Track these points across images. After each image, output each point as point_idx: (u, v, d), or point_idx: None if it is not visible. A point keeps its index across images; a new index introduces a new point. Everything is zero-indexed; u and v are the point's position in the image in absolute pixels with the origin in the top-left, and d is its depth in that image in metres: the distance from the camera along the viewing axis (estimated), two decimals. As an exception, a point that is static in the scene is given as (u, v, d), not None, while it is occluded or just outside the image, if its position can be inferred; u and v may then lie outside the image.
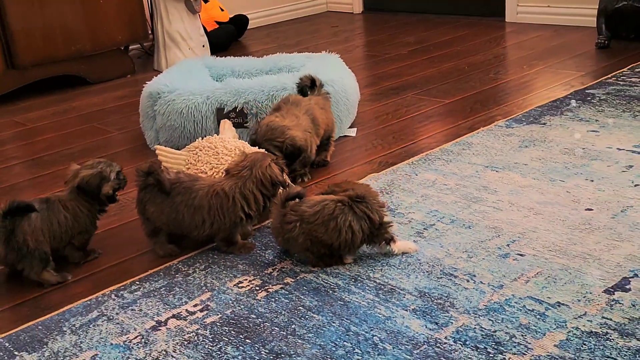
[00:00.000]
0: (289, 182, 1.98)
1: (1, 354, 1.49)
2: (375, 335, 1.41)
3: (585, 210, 1.83)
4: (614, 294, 1.46)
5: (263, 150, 2.01)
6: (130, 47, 4.30)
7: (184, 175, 1.83)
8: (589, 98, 2.73)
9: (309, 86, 2.40)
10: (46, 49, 3.58)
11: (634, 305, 1.42)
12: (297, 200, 1.72)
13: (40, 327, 1.58)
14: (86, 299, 1.68)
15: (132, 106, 3.30)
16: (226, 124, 2.27)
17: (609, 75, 3.00)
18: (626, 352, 1.29)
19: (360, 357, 1.35)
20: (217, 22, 4.42)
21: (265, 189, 1.79)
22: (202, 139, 2.10)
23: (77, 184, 1.83)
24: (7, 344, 1.52)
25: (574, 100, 2.71)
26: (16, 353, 1.49)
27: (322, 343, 1.41)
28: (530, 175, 2.08)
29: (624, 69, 3.06)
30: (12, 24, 3.44)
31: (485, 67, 3.44)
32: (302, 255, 1.73)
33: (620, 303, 1.43)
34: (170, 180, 1.79)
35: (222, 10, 4.52)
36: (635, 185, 1.94)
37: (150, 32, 4.17)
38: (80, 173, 1.84)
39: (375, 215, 1.67)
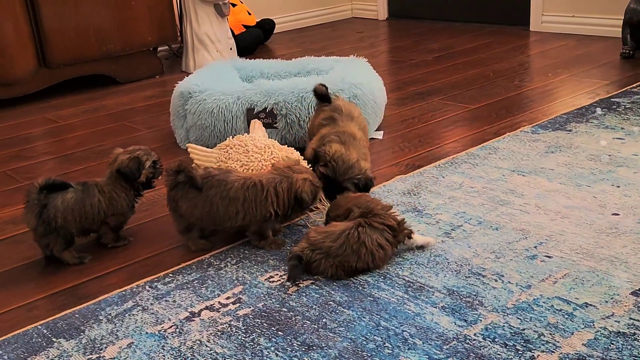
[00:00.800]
0: (320, 205, 1.99)
1: (40, 340, 1.54)
2: (405, 331, 1.45)
3: (612, 214, 1.86)
4: (641, 296, 1.48)
5: (308, 167, 2.00)
6: (158, 49, 4.38)
7: (213, 170, 1.88)
8: (614, 106, 2.75)
9: (326, 91, 2.31)
10: (78, 48, 3.66)
11: (661, 308, 1.44)
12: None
13: (77, 315, 1.63)
14: (121, 290, 1.73)
15: (160, 106, 3.37)
16: (256, 124, 2.32)
17: (634, 85, 3.02)
18: (654, 352, 1.31)
19: (390, 351, 1.39)
20: (245, 26, 4.49)
21: (291, 197, 1.82)
22: (233, 137, 2.15)
23: (116, 168, 1.91)
24: (45, 331, 1.57)
25: (599, 108, 2.73)
26: (54, 340, 1.54)
27: (352, 337, 1.45)
28: (557, 180, 2.10)
29: (650, 79, 3.08)
30: (46, 24, 3.53)
31: (509, 75, 3.46)
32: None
33: (647, 305, 1.45)
34: (201, 175, 1.84)
35: (250, 14, 4.59)
36: (662, 192, 1.96)
37: (179, 34, 4.24)
38: (119, 157, 1.93)
39: (391, 220, 1.70)
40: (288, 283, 1.67)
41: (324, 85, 2.33)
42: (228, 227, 1.86)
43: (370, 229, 1.67)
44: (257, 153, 2.07)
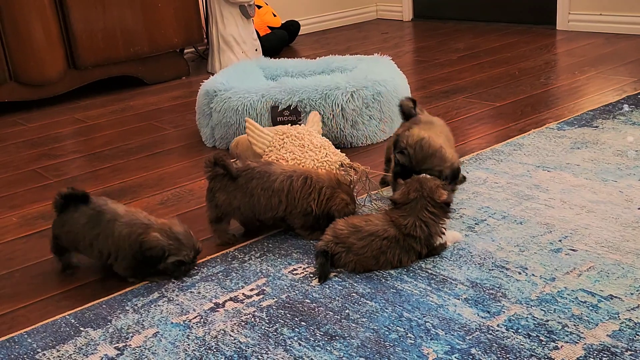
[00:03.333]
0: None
1: (67, 329, 1.57)
2: (428, 322, 1.45)
3: (638, 209, 1.84)
4: (668, 289, 1.47)
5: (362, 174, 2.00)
6: (185, 50, 4.43)
7: (253, 163, 1.91)
8: (642, 103, 2.72)
9: (412, 107, 2.10)
10: (106, 50, 3.72)
11: (688, 299, 1.42)
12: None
13: (104, 305, 1.66)
14: (147, 282, 1.75)
15: (187, 106, 3.42)
16: (316, 117, 2.31)
17: (664, 82, 2.98)
18: (680, 343, 1.30)
19: (413, 342, 1.39)
20: (270, 27, 4.53)
21: (325, 207, 1.85)
22: (292, 127, 2.17)
23: (141, 241, 1.72)
24: (73, 320, 1.60)
25: (627, 105, 2.70)
26: (82, 329, 1.57)
27: (375, 327, 1.45)
28: (583, 175, 2.08)
29: (679, 76, 3.03)
30: (75, 26, 3.60)
31: (535, 73, 3.44)
32: None
33: (674, 297, 1.44)
34: (239, 168, 1.87)
35: (275, 15, 4.62)
36: (690, 187, 1.93)
37: (205, 35, 4.29)
38: (150, 232, 1.72)
39: (424, 249, 1.69)
40: (316, 280, 1.67)
41: (411, 99, 2.12)
42: (267, 218, 1.89)
43: (396, 245, 1.66)
44: (312, 151, 2.08)
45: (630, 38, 3.94)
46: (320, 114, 2.54)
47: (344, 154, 2.17)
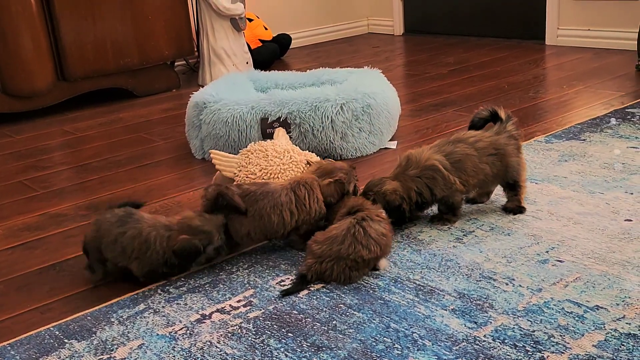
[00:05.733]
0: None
1: (52, 341, 1.55)
2: (415, 332, 1.44)
3: (625, 220, 1.84)
4: (653, 299, 1.47)
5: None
6: (175, 63, 4.44)
7: (249, 186, 1.86)
8: (628, 117, 2.73)
9: (484, 118, 2.03)
10: (96, 62, 3.72)
11: (674, 310, 1.43)
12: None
13: (89, 317, 1.65)
14: (133, 293, 1.74)
15: (177, 118, 3.41)
16: (280, 132, 2.33)
17: (650, 96, 3.01)
18: (666, 353, 1.30)
19: (400, 352, 1.38)
20: (261, 40, 4.54)
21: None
22: (255, 143, 2.18)
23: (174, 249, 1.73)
24: (57, 332, 1.59)
25: (614, 119, 2.72)
26: (66, 341, 1.55)
27: (362, 338, 1.45)
28: (570, 188, 2.09)
29: (666, 90, 3.06)
30: (65, 38, 3.59)
31: (524, 87, 3.46)
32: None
33: (660, 307, 1.44)
34: (239, 194, 1.82)
35: (266, 29, 4.64)
36: (677, 199, 1.94)
37: (195, 48, 4.30)
38: (178, 239, 1.73)
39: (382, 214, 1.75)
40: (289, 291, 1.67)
41: (492, 110, 2.04)
42: (279, 236, 1.86)
43: (369, 221, 1.70)
44: (277, 157, 2.09)
45: (618, 53, 3.98)
46: (310, 125, 2.55)
47: (312, 153, 2.17)
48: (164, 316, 1.62)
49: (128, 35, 3.79)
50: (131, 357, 1.46)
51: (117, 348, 1.50)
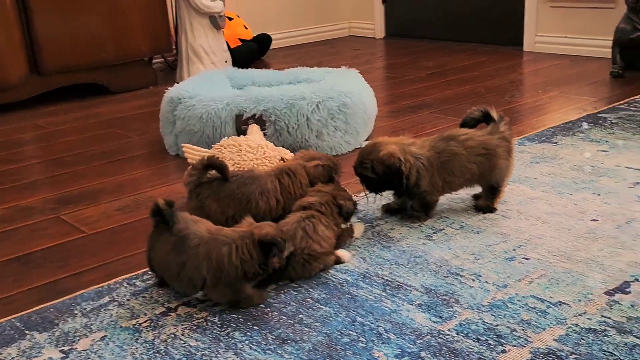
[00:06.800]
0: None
1: (12, 332, 1.53)
2: (381, 326, 1.44)
3: (591, 220, 1.86)
4: (614, 296, 1.48)
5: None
6: (153, 61, 4.41)
7: (238, 170, 1.88)
8: (600, 121, 2.77)
9: (476, 118, 1.99)
10: (71, 56, 3.68)
11: (632, 306, 1.44)
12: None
13: (52, 309, 1.62)
14: (98, 286, 1.72)
15: (152, 114, 3.38)
16: (254, 128, 2.33)
17: (622, 102, 3.04)
18: (623, 347, 1.31)
19: (364, 345, 1.38)
20: (241, 40, 4.53)
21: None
22: (228, 138, 2.17)
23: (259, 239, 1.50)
24: (18, 324, 1.56)
25: (586, 123, 2.75)
26: (27, 332, 1.53)
27: (327, 331, 1.44)
28: (540, 188, 2.11)
29: (637, 97, 3.10)
30: (39, 31, 3.55)
31: (501, 91, 3.49)
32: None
33: (619, 304, 1.45)
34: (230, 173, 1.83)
35: (246, 28, 4.63)
36: (643, 200, 1.97)
37: (174, 45, 4.28)
38: (262, 230, 1.51)
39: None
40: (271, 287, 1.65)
41: (484, 110, 1.99)
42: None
43: (317, 220, 1.69)
44: (250, 152, 2.09)
45: (594, 60, 4.02)
46: (285, 123, 2.54)
47: (286, 150, 2.17)
48: (128, 309, 1.60)
49: (104, 31, 3.76)
50: (93, 349, 1.44)
51: (79, 340, 1.48)
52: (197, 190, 1.81)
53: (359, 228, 1.86)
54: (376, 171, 1.86)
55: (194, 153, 2.16)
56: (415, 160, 1.86)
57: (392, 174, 1.83)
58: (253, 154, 2.08)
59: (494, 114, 1.96)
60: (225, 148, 2.12)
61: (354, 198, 1.85)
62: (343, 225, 1.79)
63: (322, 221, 1.70)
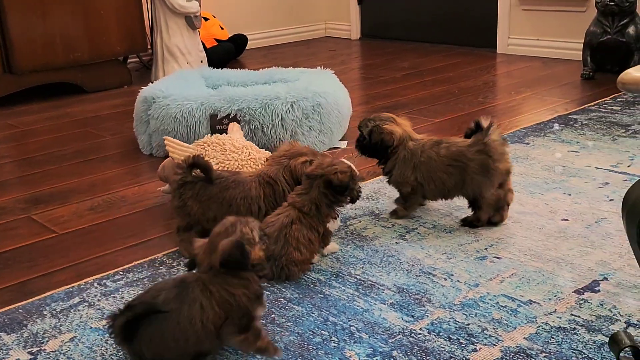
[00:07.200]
0: None
1: (-19, 334, 1.51)
2: (353, 325, 1.45)
3: (562, 220, 1.89)
4: (583, 294, 1.50)
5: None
6: (128, 61, 4.37)
7: (223, 172, 1.84)
8: (571, 122, 2.80)
9: (472, 129, 1.90)
10: (45, 56, 3.64)
11: (601, 305, 1.46)
12: None
13: (20, 310, 1.60)
14: (68, 286, 1.70)
15: (127, 114, 3.35)
16: (235, 127, 2.31)
17: (592, 103, 3.09)
18: (592, 345, 1.33)
19: (336, 345, 1.38)
20: (217, 40, 4.51)
21: (294, 182, 1.81)
22: (211, 135, 2.15)
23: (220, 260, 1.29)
24: (-13, 325, 1.54)
25: (557, 124, 2.79)
26: (-5, 334, 1.51)
27: (300, 331, 1.44)
28: (512, 188, 2.13)
29: (607, 98, 3.15)
30: (12, 30, 3.50)
31: (474, 92, 3.52)
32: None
33: (589, 302, 1.47)
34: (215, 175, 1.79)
35: (222, 28, 4.61)
36: (611, 200, 1.99)
37: (149, 45, 4.25)
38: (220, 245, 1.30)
39: (320, 227, 1.69)
40: None
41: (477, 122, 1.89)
42: None
43: (302, 226, 1.66)
44: (235, 153, 2.07)
45: (565, 62, 4.08)
46: (260, 123, 2.54)
47: (269, 152, 2.16)
48: (99, 309, 1.58)
49: (79, 30, 3.72)
50: (62, 350, 1.43)
51: (47, 341, 1.46)
52: (181, 190, 1.79)
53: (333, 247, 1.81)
54: (371, 136, 1.92)
55: (176, 147, 2.13)
56: (404, 149, 1.91)
57: (380, 148, 1.92)
58: (237, 154, 2.06)
59: (484, 124, 1.85)
60: (208, 145, 2.08)
61: (353, 171, 1.72)
62: (331, 224, 1.77)
63: (305, 225, 1.66)
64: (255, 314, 1.32)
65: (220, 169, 2.00)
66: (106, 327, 1.34)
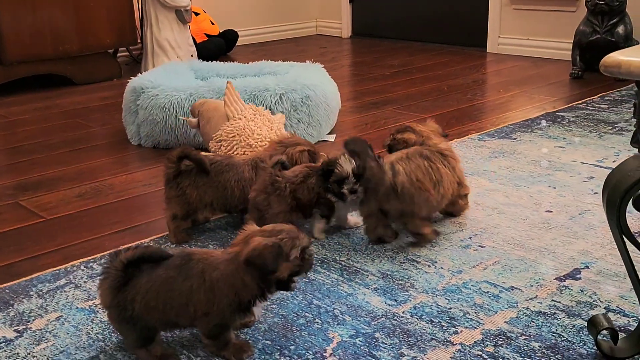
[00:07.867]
0: None
1: (-34, 315, 1.51)
2: (336, 309, 1.46)
3: (546, 212, 1.91)
4: (564, 281, 1.52)
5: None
6: (118, 54, 4.37)
7: (216, 156, 1.87)
8: (559, 119, 2.83)
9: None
10: (34, 47, 3.63)
11: (582, 291, 1.48)
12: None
13: (7, 290, 1.61)
14: (55, 269, 1.71)
15: (116, 106, 3.34)
16: (282, 119, 2.37)
17: (580, 101, 3.12)
18: (571, 329, 1.35)
19: (319, 326, 1.40)
20: (207, 35, 4.52)
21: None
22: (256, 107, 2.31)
23: (246, 257, 1.25)
24: (-27, 306, 1.54)
25: (545, 121, 2.81)
26: (-19, 314, 1.51)
27: (284, 313, 1.45)
28: (497, 181, 2.15)
29: (594, 97, 3.18)
30: (2, 20, 3.49)
31: (463, 90, 3.54)
32: None
33: (569, 289, 1.49)
34: (208, 160, 1.81)
35: (213, 23, 4.62)
36: (595, 193, 2.02)
37: (139, 39, 4.24)
38: (254, 240, 1.26)
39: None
40: None
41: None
42: (240, 210, 1.86)
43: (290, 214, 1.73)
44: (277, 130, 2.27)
45: (554, 62, 4.11)
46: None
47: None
48: (85, 291, 1.59)
49: (68, 22, 3.72)
50: (48, 329, 1.43)
51: (33, 320, 1.47)
52: (177, 180, 1.81)
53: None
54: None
55: (231, 97, 2.27)
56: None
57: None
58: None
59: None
60: (259, 115, 2.25)
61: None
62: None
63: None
64: (232, 324, 1.29)
65: (259, 144, 2.14)
66: (105, 260, 1.32)
